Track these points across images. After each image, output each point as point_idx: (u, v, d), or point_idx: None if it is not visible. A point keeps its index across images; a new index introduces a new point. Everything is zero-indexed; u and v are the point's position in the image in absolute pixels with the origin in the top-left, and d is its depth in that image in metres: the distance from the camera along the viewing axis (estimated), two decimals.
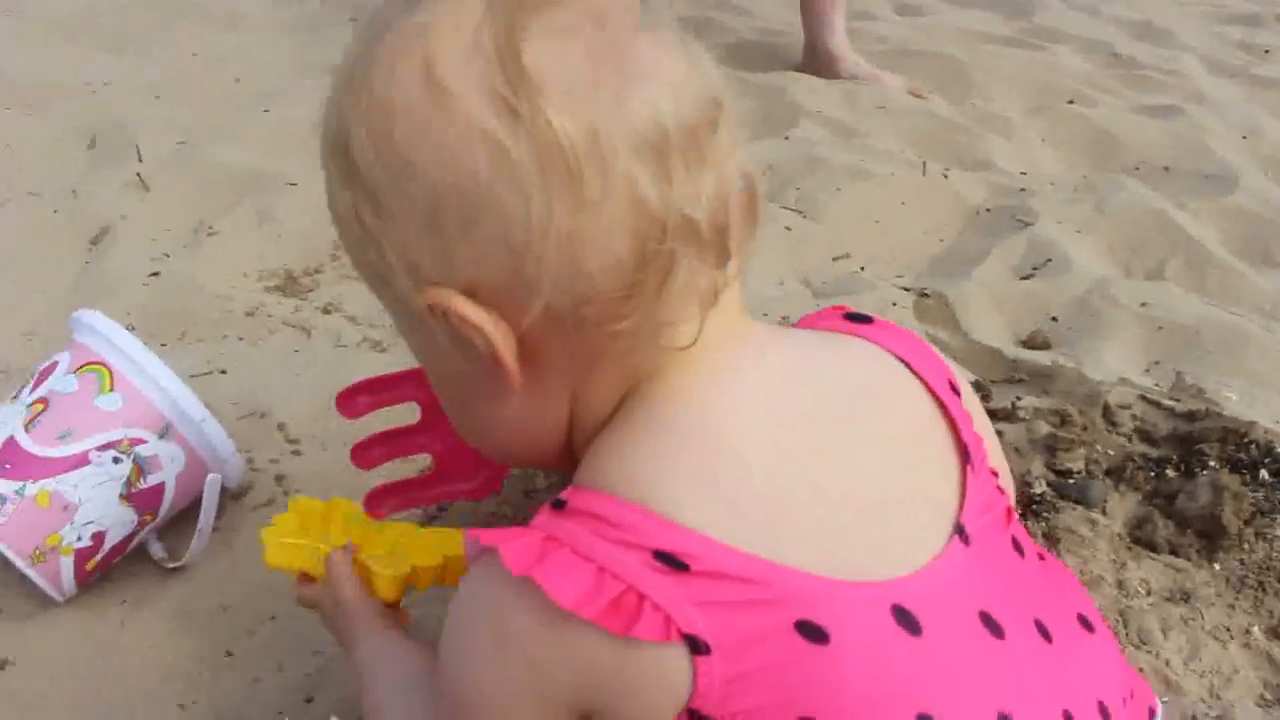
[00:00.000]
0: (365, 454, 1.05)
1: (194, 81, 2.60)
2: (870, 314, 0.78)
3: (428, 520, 1.29)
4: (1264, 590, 1.19)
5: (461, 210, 0.62)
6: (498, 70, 0.60)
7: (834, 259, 1.97)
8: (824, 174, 2.16)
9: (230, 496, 1.33)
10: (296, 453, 1.41)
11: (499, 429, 0.73)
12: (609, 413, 0.68)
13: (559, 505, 0.64)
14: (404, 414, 1.07)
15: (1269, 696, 1.13)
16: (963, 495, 0.69)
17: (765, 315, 1.72)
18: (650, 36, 0.64)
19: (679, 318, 0.65)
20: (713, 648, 0.59)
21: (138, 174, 2.12)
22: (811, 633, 0.59)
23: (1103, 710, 0.67)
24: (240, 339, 1.68)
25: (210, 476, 1.19)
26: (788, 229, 2.01)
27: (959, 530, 0.67)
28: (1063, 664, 0.67)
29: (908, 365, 0.74)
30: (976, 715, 0.61)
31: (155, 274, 1.84)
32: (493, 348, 0.64)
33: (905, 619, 0.61)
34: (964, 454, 0.72)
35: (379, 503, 1.05)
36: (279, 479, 1.36)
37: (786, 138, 2.35)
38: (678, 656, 0.59)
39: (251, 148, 2.21)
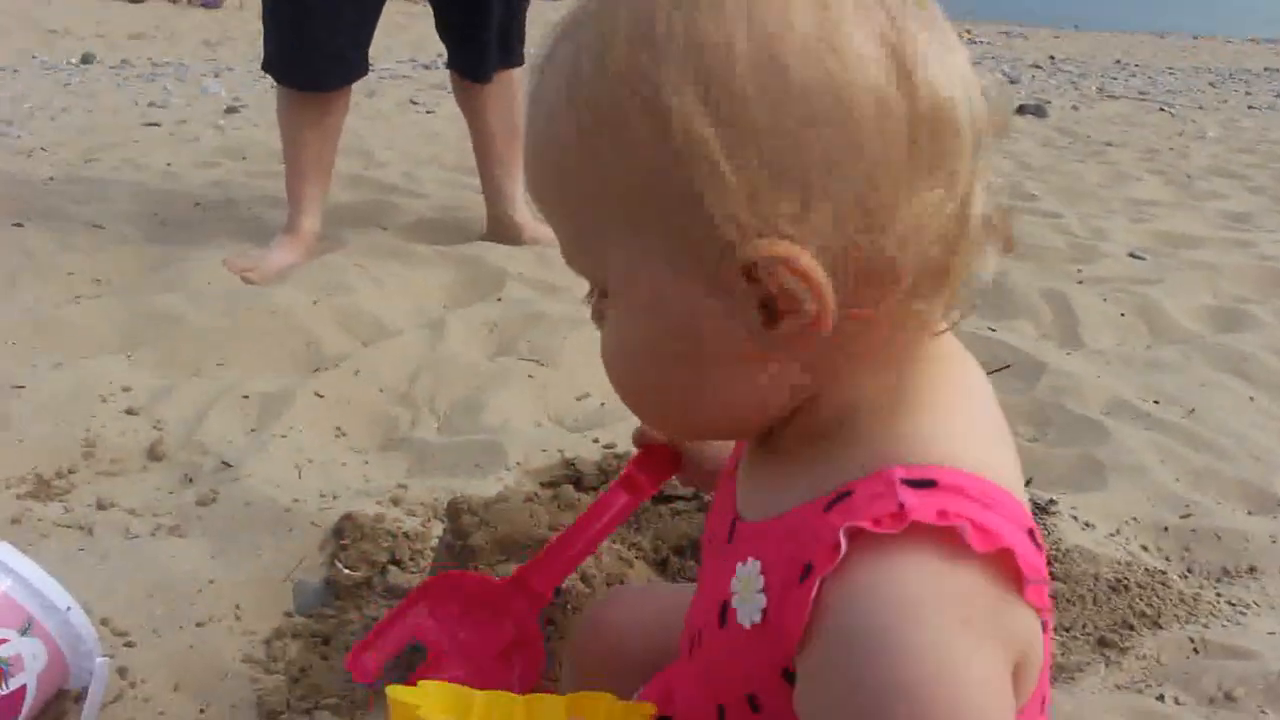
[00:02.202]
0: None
1: None
2: None
3: None
4: None
5: (832, 152, 0.59)
6: (901, 14, 0.60)
7: (577, 399, 2.16)
8: (546, 326, 2.36)
9: (72, 699, 1.27)
10: (129, 644, 1.37)
11: (728, 401, 0.67)
12: (870, 386, 0.66)
13: (926, 484, 0.60)
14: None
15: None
16: None
17: (544, 451, 1.87)
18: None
19: (950, 302, 0.65)
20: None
21: None
22: (1036, 540, 0.64)
23: None
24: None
25: (100, 660, 1.16)
26: (530, 376, 2.17)
27: None
28: None
29: None
30: None
31: None
32: (823, 314, 0.60)
33: None
34: None
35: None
36: (121, 672, 1.31)
37: (500, 299, 2.54)
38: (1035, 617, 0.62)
39: None
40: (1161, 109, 7.35)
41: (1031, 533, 0.63)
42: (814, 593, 0.59)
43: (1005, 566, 0.58)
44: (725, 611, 0.68)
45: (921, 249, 0.60)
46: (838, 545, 0.58)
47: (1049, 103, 7.06)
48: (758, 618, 0.65)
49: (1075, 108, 7.11)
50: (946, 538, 0.58)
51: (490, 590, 1.05)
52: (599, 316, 0.72)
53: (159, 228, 2.96)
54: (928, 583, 0.57)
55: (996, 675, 0.59)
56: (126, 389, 2.04)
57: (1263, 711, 1.30)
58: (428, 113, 5.36)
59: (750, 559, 0.67)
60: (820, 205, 0.59)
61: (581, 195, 0.65)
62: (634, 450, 1.09)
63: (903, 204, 0.60)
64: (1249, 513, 1.85)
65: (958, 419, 0.66)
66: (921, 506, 0.58)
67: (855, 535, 0.58)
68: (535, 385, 2.16)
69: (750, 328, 0.62)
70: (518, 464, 1.81)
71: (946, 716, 0.56)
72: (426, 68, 7.40)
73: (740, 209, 0.59)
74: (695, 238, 0.61)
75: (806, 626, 0.59)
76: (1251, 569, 1.67)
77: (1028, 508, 0.65)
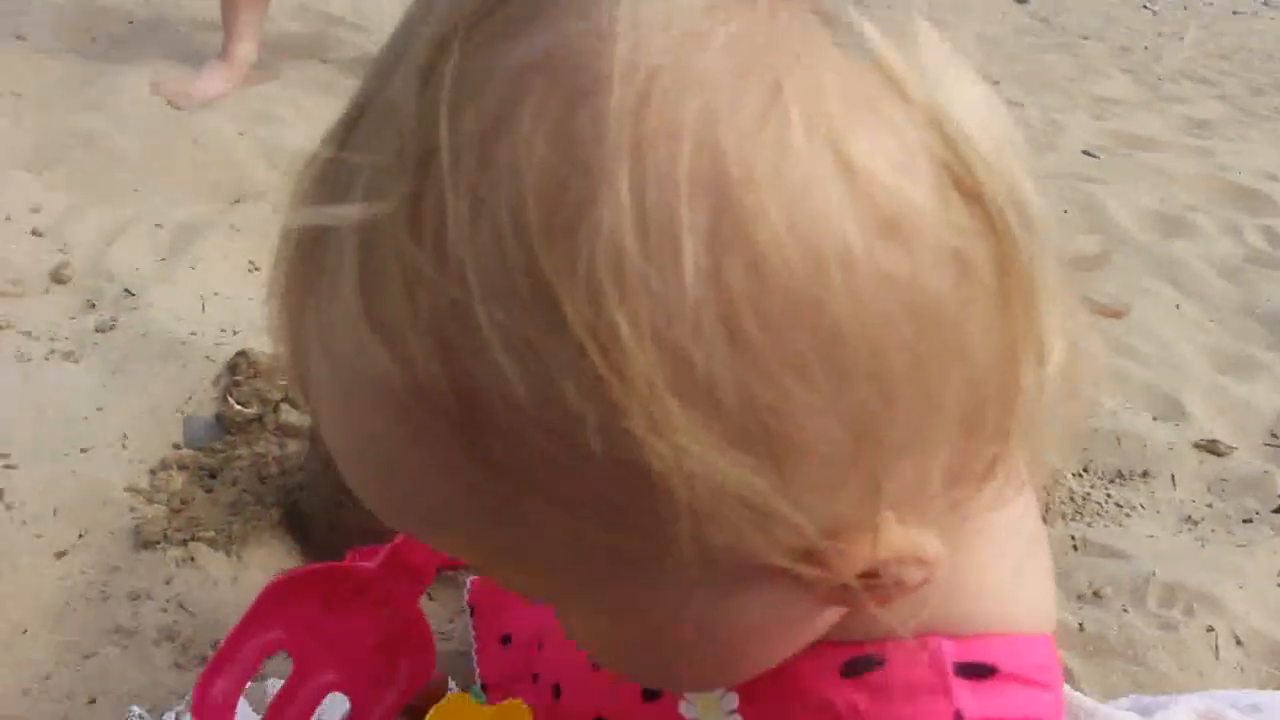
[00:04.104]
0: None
1: None
2: None
3: None
4: None
5: (919, 379, 0.37)
6: (930, 130, 0.37)
7: None
8: None
9: None
10: (10, 466, 1.35)
11: (776, 655, 0.48)
12: None
13: (982, 671, 0.49)
14: None
15: None
16: None
17: None
18: None
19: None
20: None
21: None
22: None
23: None
24: None
25: None
26: None
27: None
28: None
29: None
30: None
31: None
32: (930, 575, 0.42)
33: None
34: None
35: None
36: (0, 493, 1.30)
37: None
38: None
39: None
40: (1144, 6, 7.22)
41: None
42: None
43: None
44: (657, 699, 0.59)
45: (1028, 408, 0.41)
46: None
47: None
48: None
49: None
50: None
51: (355, 577, 0.85)
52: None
53: (88, 43, 2.84)
54: None
55: None
56: (35, 209, 1.97)
57: (1125, 610, 1.33)
58: None
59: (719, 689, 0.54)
60: (928, 455, 0.39)
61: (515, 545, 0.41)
62: None
63: (1002, 390, 0.40)
64: (1154, 419, 1.87)
65: (1009, 556, 0.52)
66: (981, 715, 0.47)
67: None
68: None
69: (796, 600, 0.44)
70: None
71: None
72: None
73: (807, 505, 0.37)
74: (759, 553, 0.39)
75: None
76: (1145, 473, 1.69)
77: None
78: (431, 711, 0.72)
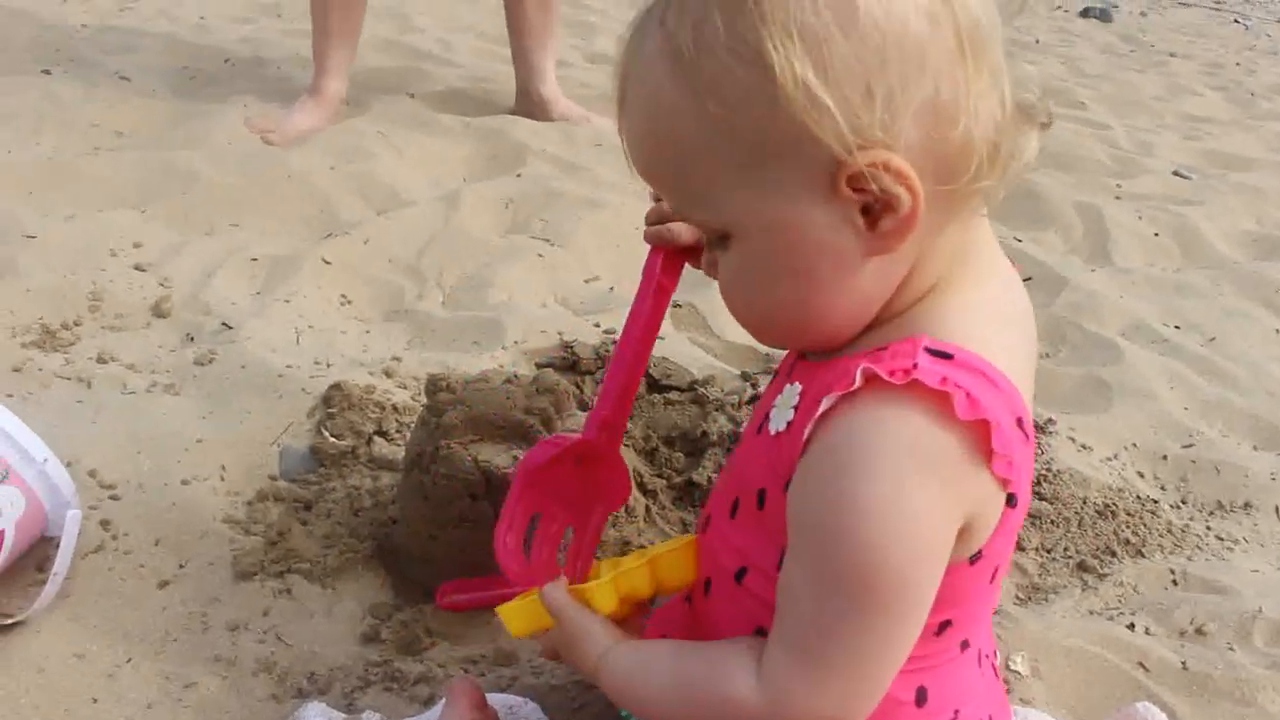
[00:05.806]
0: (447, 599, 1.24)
1: None
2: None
3: None
4: None
5: (903, 67, 0.71)
6: None
7: (585, 281, 2.14)
8: (563, 206, 2.33)
9: (54, 545, 1.30)
10: (115, 497, 1.39)
11: (842, 303, 0.79)
12: (934, 278, 0.80)
13: (944, 355, 0.74)
14: None
15: (1021, 596, 1.39)
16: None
17: (543, 332, 1.86)
18: None
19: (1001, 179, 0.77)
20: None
21: None
22: (1025, 429, 0.79)
23: None
24: (10, 395, 1.62)
25: (71, 514, 1.18)
26: (540, 256, 2.15)
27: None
28: None
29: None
30: None
31: None
32: (915, 206, 0.73)
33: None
34: None
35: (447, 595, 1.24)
36: (104, 524, 1.34)
37: (519, 175, 2.50)
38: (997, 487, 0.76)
39: None
40: (1235, 20, 7.05)
41: (1020, 421, 0.77)
42: (822, 409, 0.74)
43: (980, 437, 0.73)
44: (763, 423, 0.85)
45: (982, 134, 0.73)
46: (854, 379, 0.73)
47: (1117, 7, 6.79)
48: (783, 427, 0.82)
49: (1144, 14, 6.84)
50: (939, 401, 0.72)
51: (575, 449, 1.09)
52: (712, 266, 0.85)
53: (186, 82, 2.93)
54: (908, 432, 0.72)
55: (938, 522, 0.75)
56: (137, 244, 2.04)
57: (1230, 648, 1.29)
58: None
59: (796, 382, 0.84)
60: (902, 113, 0.71)
61: (696, 156, 0.76)
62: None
63: (962, 99, 0.72)
64: (1254, 448, 1.82)
65: (985, 307, 0.81)
66: (930, 371, 0.72)
67: (870, 377, 0.73)
68: (544, 265, 2.14)
69: (857, 232, 0.75)
70: (516, 343, 1.81)
71: (880, 531, 0.73)
72: None
73: (843, 128, 0.71)
74: (808, 162, 0.73)
75: (809, 436, 0.76)
76: (1246, 505, 1.65)
77: (1028, 401, 0.80)
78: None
